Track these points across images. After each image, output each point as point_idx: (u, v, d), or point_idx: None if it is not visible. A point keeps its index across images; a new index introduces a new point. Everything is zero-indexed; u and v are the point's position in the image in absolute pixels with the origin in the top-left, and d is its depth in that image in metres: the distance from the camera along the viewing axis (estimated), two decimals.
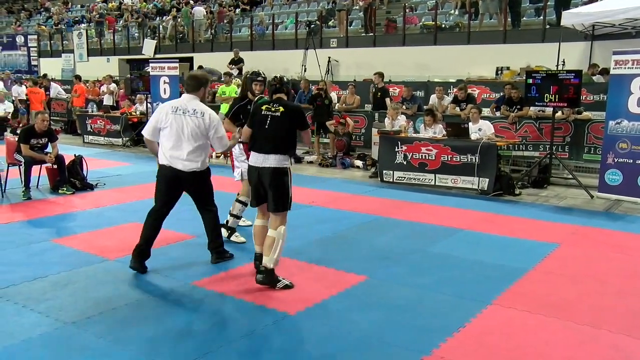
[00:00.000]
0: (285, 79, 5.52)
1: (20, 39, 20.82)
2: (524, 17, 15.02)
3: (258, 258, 4.85)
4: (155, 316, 4.07)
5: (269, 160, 4.56)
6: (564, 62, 10.81)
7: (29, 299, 4.30)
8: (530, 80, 8.81)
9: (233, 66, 16.54)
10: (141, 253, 4.97)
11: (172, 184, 4.96)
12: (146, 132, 4.98)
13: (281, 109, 4.61)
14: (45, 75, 18.39)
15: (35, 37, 21.67)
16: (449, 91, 11.69)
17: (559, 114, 9.33)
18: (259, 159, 4.60)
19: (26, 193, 7.82)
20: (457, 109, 10.51)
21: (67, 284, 4.66)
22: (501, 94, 10.81)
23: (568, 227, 6.66)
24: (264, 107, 4.68)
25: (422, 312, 4.19)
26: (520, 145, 9.70)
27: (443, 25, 15.97)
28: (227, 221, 5.96)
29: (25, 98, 16.36)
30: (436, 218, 7.03)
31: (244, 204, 5.92)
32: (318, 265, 5.19)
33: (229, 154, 6.69)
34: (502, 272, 5.07)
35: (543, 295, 4.53)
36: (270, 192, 4.60)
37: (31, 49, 20.36)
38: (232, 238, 5.94)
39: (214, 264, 5.18)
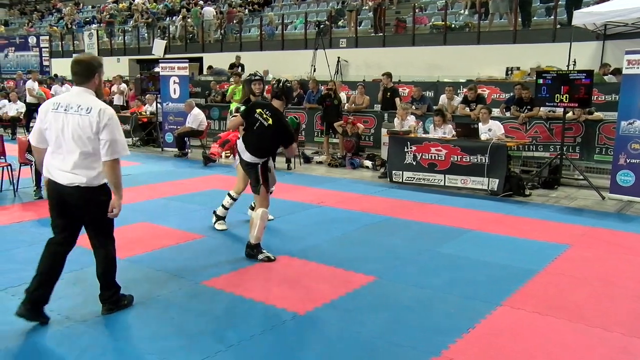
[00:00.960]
0: (289, 84, 5.57)
1: (32, 40, 20.99)
2: (535, 16, 14.96)
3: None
4: (165, 316, 4.08)
5: (246, 155, 5.35)
6: (575, 62, 10.75)
7: None
8: (541, 81, 8.77)
9: (230, 71, 16.56)
10: (34, 299, 3.80)
11: (58, 205, 3.89)
12: (32, 137, 3.92)
13: (270, 120, 5.19)
14: (56, 76, 18.52)
15: (47, 37, 21.84)
16: (458, 91, 11.65)
17: (569, 114, 9.27)
18: (246, 157, 5.38)
19: (37, 192, 7.87)
20: (467, 109, 10.48)
21: (77, 283, 4.69)
22: (511, 94, 10.76)
23: (579, 228, 6.62)
24: (258, 110, 5.26)
25: (431, 313, 4.18)
26: (531, 146, 9.66)
27: (453, 25, 15.94)
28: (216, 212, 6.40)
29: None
30: (445, 219, 7.01)
31: (233, 198, 6.37)
32: (327, 266, 5.19)
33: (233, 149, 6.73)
34: (512, 273, 5.05)
35: (553, 297, 4.50)
36: (249, 175, 5.47)
37: (43, 49, 20.51)
38: (216, 226, 6.36)
39: (229, 262, 5.19)
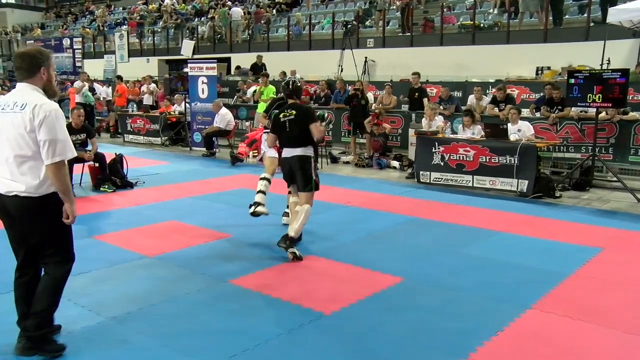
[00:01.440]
0: (298, 83, 6.03)
1: (66, 42, 21.41)
2: (567, 15, 14.67)
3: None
4: (192, 313, 4.13)
5: (296, 151, 5.50)
6: (609, 60, 10.50)
7: (72, 293, 4.40)
8: (573, 80, 8.60)
9: (254, 73, 16.64)
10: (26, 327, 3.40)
11: (5, 219, 3.41)
12: None
13: (294, 112, 5.54)
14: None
15: (80, 39, 22.29)
16: (487, 92, 11.51)
17: (602, 114, 9.07)
18: (288, 152, 5.58)
19: None
20: (496, 109, 10.34)
21: (108, 280, 4.77)
22: (541, 94, 10.57)
23: (611, 231, 6.47)
24: (280, 115, 5.61)
25: (458, 315, 4.14)
26: (561, 147, 9.47)
27: (481, 25, 15.74)
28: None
29: (111, 99, 16.89)
30: (473, 220, 6.93)
31: (267, 179, 6.36)
32: (354, 266, 5.18)
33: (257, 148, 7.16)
34: (542, 275, 4.96)
35: (585, 301, 4.41)
36: (297, 175, 5.52)
37: (76, 50, 20.92)
38: (259, 209, 6.15)
39: (256, 261, 5.22)
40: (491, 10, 16.18)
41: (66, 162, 3.29)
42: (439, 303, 4.36)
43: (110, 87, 17.73)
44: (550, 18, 14.36)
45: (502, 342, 3.71)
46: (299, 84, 6.06)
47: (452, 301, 4.40)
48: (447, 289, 4.64)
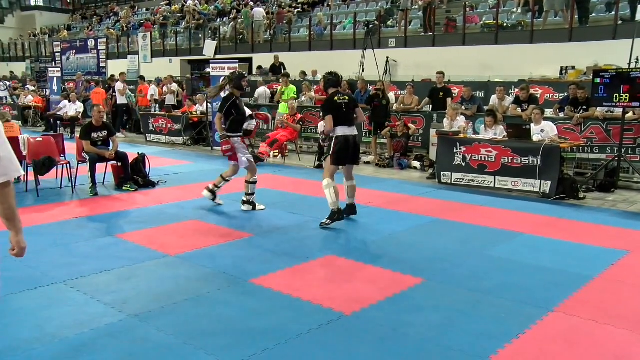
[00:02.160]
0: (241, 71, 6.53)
1: (91, 43, 21.78)
2: (593, 13, 14.43)
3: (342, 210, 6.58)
4: (213, 312, 4.16)
5: (353, 130, 6.55)
6: (637, 59, 10.30)
7: (96, 291, 4.49)
8: (598, 80, 8.46)
9: (271, 73, 16.68)
10: None
11: None
12: None
13: (346, 97, 6.62)
14: (112, 77, 19.15)
15: (105, 40, 22.64)
16: (510, 92, 11.38)
17: (629, 114, 8.90)
18: (347, 130, 6.49)
19: (93, 189, 8.16)
20: (519, 109, 10.22)
21: (131, 278, 4.83)
22: (565, 94, 10.42)
23: (638, 234, 6.35)
24: (337, 98, 6.51)
25: (480, 317, 4.10)
26: (586, 148, 9.32)
27: (505, 24, 15.59)
28: (247, 200, 7.25)
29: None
30: (495, 221, 6.87)
31: (254, 183, 7.24)
32: (374, 266, 5.16)
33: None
34: (565, 278, 4.89)
35: (611, 305, 4.33)
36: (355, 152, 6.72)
37: (100, 51, 21.26)
38: (258, 208, 7.24)
39: (277, 261, 5.24)
40: (515, 10, 16.02)
41: (12, 183, 2.81)
42: (461, 304, 4.32)
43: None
44: (576, 17, 14.14)
45: (524, 344, 3.67)
46: (340, 75, 7.00)
47: (474, 303, 4.36)
48: (469, 291, 4.60)
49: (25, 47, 32.89)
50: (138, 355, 3.48)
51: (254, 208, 7.24)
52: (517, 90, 10.77)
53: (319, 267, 5.18)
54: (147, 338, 3.71)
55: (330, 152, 6.53)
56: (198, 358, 3.47)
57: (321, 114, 7.07)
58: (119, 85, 16.16)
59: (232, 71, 8.52)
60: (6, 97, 20.84)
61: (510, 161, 8.54)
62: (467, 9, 16.43)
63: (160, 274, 4.95)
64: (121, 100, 16.06)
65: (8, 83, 22.49)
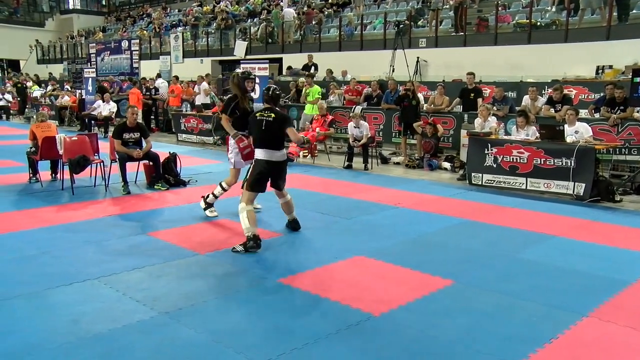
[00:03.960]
0: (278, 91, 6.33)
1: (124, 44, 22.21)
2: (634, 9, 14.02)
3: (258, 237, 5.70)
4: (243, 311, 4.19)
5: (276, 155, 5.92)
6: None
7: (128, 288, 4.57)
8: (638, 79, 8.24)
9: (306, 72, 16.67)
10: None
11: None
12: None
13: (272, 115, 5.87)
14: (144, 78, 19.52)
15: (137, 41, 23.05)
16: (543, 92, 11.17)
17: None
18: (266, 154, 5.89)
19: (125, 188, 8.31)
20: (552, 110, 10.03)
21: (162, 276, 4.90)
22: (601, 94, 10.18)
23: None
24: (257, 114, 5.95)
25: (510, 320, 4.04)
26: (623, 149, 9.09)
27: (538, 23, 15.30)
28: (207, 195, 6.99)
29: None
30: (527, 223, 6.75)
31: (224, 189, 6.92)
32: (403, 268, 5.13)
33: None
34: (600, 282, 4.78)
35: None
36: (281, 176, 6.10)
37: (133, 52, 21.66)
38: (207, 213, 6.95)
39: (305, 261, 5.25)
40: (549, 8, 15.70)
41: None
42: (491, 307, 4.27)
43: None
44: (615, 14, 13.78)
45: (557, 350, 3.60)
46: (278, 92, 6.27)
47: (505, 306, 4.30)
48: (499, 293, 4.54)
49: (63, 49, 33.69)
50: (168, 352, 3.53)
51: (206, 208, 6.95)
52: (550, 90, 10.57)
53: (348, 268, 5.17)
54: (177, 335, 3.76)
55: (248, 177, 6.17)
56: (227, 356, 3.50)
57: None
58: (204, 86, 16.37)
59: (237, 71, 7.92)
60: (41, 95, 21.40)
61: (542, 162, 8.39)
62: (499, 8, 16.19)
63: (190, 272, 5.01)
64: (200, 100, 16.19)
65: (28, 83, 23.02)
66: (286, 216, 6.46)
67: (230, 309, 4.22)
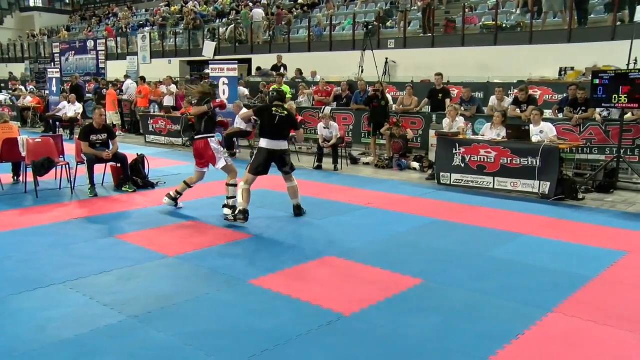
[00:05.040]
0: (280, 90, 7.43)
1: (90, 43, 21.80)
2: (592, 14, 14.44)
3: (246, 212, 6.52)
4: (213, 313, 4.16)
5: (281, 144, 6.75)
6: (636, 60, 10.29)
7: (96, 292, 4.48)
8: (597, 81, 8.47)
9: (274, 72, 16.66)
10: None
11: None
12: None
13: (285, 112, 6.78)
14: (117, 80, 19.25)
15: (104, 41, 22.66)
16: (509, 92, 11.38)
17: (628, 115, 8.91)
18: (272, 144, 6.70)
19: (92, 190, 8.15)
20: (518, 110, 10.22)
21: (130, 279, 4.83)
22: (564, 95, 10.43)
23: (637, 235, 6.36)
24: (273, 109, 6.74)
25: (480, 318, 4.10)
26: (584, 148, 9.33)
27: (504, 25, 15.60)
28: (227, 204, 6.85)
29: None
30: (495, 222, 6.87)
31: (234, 185, 6.90)
32: (373, 267, 5.16)
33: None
34: (565, 278, 4.90)
35: (611, 306, 4.33)
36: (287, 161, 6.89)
37: (99, 52, 21.29)
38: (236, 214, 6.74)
39: (276, 262, 5.24)
40: (514, 10, 16.03)
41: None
42: (460, 305, 4.33)
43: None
44: (575, 17, 14.15)
45: (524, 345, 3.67)
46: (281, 92, 7.36)
47: (473, 303, 4.37)
48: (468, 291, 4.61)
49: (25, 47, 32.85)
50: (138, 356, 3.48)
51: (234, 212, 6.71)
52: (515, 90, 10.77)
53: (318, 268, 5.18)
54: (147, 339, 3.71)
55: (250, 161, 6.77)
56: (198, 359, 3.46)
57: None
58: (172, 87, 16.06)
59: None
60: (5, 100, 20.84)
61: (509, 162, 8.55)
62: (466, 10, 16.45)
63: (159, 275, 4.95)
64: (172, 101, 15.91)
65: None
66: (291, 200, 7.05)
67: (200, 311, 4.18)
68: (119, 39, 26.98)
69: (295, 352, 3.56)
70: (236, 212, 6.48)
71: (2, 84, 24.34)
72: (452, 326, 3.95)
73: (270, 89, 6.81)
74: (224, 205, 6.88)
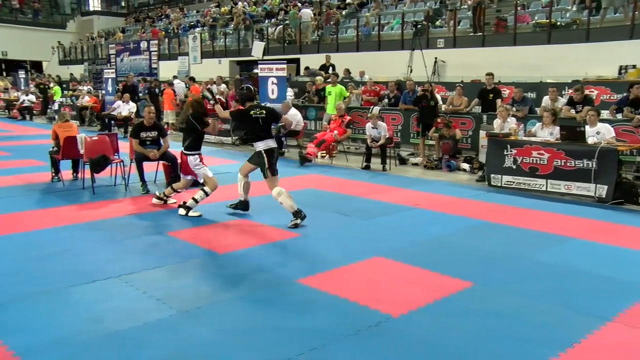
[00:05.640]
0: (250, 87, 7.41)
1: (143, 44, 22.41)
2: None
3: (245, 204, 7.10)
4: (261, 311, 4.20)
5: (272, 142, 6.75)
6: None
7: (148, 286, 4.61)
8: None
9: (325, 72, 16.65)
10: None
11: None
12: None
13: (264, 111, 6.79)
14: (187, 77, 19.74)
15: (156, 42, 23.24)
16: (563, 92, 11.05)
17: None
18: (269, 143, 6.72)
19: (144, 187, 8.38)
20: (572, 111, 9.91)
21: (181, 275, 4.94)
22: (624, 94, 10.03)
23: None
24: (251, 113, 6.72)
25: (531, 323, 3.99)
26: None
27: (558, 23, 15.14)
28: (185, 202, 7.06)
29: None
30: (547, 225, 6.68)
31: (207, 194, 7.02)
32: (422, 269, 5.11)
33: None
34: (624, 287, 4.71)
35: None
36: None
37: (152, 53, 21.84)
38: (190, 213, 6.97)
39: (323, 261, 5.25)
40: (569, 7, 15.53)
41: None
42: (510, 310, 4.23)
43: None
44: (638, 12, 13.57)
45: (580, 355, 3.55)
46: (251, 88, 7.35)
47: (524, 308, 4.26)
48: (519, 296, 4.50)
49: (84, 50, 34.14)
50: (186, 351, 3.56)
51: (187, 213, 6.96)
52: (570, 91, 10.45)
53: (366, 269, 5.16)
54: (196, 334, 3.78)
55: (267, 166, 6.70)
56: (245, 355, 3.51)
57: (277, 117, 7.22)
58: (222, 87, 16.43)
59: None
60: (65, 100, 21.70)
61: (563, 164, 8.29)
62: (518, 8, 16.05)
63: (209, 272, 5.05)
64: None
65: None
66: (242, 196, 7.11)
67: (248, 309, 4.23)
68: (169, 39, 27.64)
69: (343, 352, 3.56)
70: (298, 216, 6.51)
71: (64, 85, 25.33)
72: (503, 331, 3.86)
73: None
74: (180, 206, 7.11)
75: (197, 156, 7.13)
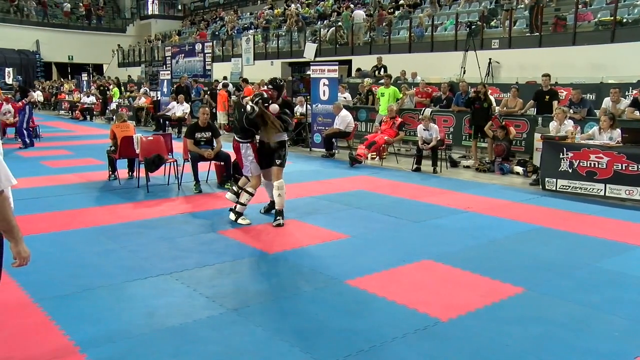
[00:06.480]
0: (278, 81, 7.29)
1: (198, 46, 22.94)
2: None
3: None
4: (309, 311, 4.22)
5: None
6: None
7: (199, 284, 4.71)
8: None
9: (380, 74, 16.53)
10: None
11: None
12: None
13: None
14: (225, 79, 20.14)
15: (211, 44, 23.76)
16: (626, 93, 10.60)
17: None
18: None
19: (197, 187, 8.57)
20: (637, 113, 9.49)
21: (231, 273, 5.02)
22: None
23: None
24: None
25: (588, 333, 3.85)
26: None
27: (624, 20, 14.51)
28: (235, 206, 6.86)
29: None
30: (606, 232, 6.42)
31: (251, 194, 6.84)
32: (472, 273, 5.01)
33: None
34: None
35: None
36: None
37: (206, 54, 22.32)
38: (239, 221, 6.75)
39: (373, 263, 5.24)
40: (637, 2, 14.84)
41: (7, 194, 2.74)
42: (565, 318, 4.09)
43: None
44: None
45: None
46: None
47: (580, 317, 4.11)
48: (574, 304, 4.34)
49: (142, 52, 35.30)
50: (236, 348, 3.61)
51: (236, 219, 6.76)
52: (635, 91, 10.02)
53: (415, 271, 5.11)
54: (245, 332, 3.84)
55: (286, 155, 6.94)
56: (293, 355, 3.54)
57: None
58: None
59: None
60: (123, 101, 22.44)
61: (624, 168, 7.96)
62: (580, 6, 15.52)
63: (258, 271, 5.12)
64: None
65: None
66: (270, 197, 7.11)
67: (297, 309, 4.26)
68: (223, 42, 28.15)
69: (390, 355, 3.53)
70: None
71: (123, 87, 26.26)
72: (556, 340, 3.74)
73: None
74: (231, 209, 6.94)
75: (248, 144, 6.76)
